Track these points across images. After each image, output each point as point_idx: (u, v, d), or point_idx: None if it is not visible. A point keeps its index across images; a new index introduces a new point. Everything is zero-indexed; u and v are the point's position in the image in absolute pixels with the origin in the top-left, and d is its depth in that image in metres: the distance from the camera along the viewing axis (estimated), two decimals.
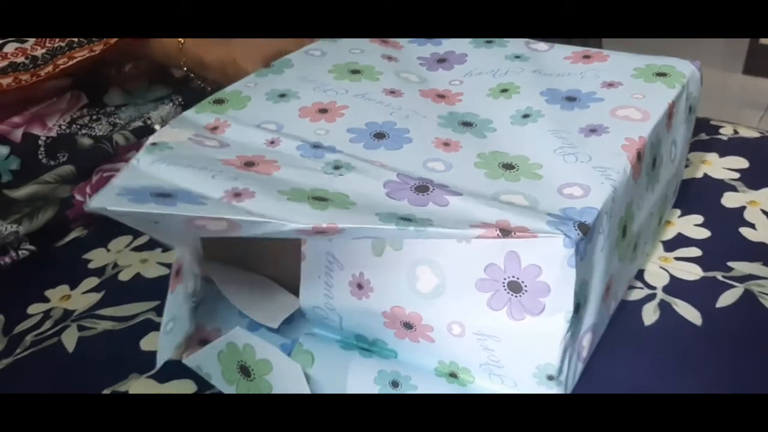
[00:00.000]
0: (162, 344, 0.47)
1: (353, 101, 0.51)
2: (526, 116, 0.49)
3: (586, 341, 0.43)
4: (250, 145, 0.47)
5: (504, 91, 0.52)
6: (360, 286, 0.43)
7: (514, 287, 0.39)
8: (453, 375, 0.44)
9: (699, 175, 0.62)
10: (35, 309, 0.56)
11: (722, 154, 0.64)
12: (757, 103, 1.89)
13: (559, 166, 0.44)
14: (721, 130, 0.68)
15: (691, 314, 0.48)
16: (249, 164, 0.44)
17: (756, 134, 0.67)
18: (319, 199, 0.40)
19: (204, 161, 0.43)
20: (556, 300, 0.38)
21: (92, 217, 0.66)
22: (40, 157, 0.64)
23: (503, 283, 0.39)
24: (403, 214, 0.39)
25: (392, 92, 0.52)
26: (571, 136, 0.47)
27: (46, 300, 0.57)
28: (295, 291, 0.47)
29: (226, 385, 0.45)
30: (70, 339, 0.52)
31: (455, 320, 0.41)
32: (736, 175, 0.61)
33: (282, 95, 0.52)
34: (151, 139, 0.45)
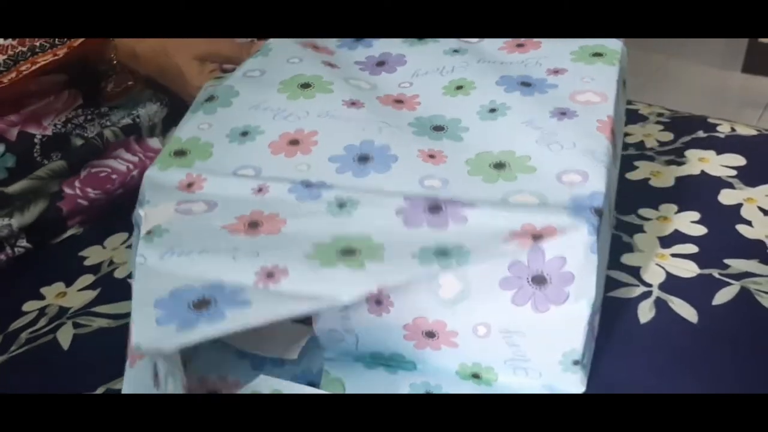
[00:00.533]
0: None
1: (319, 123, 0.48)
2: (492, 110, 0.49)
3: (596, 321, 0.44)
4: (237, 198, 0.44)
5: (459, 87, 0.51)
6: (379, 302, 0.42)
7: (539, 281, 0.39)
8: (476, 376, 0.44)
9: (696, 172, 0.62)
10: (30, 306, 0.56)
11: (720, 152, 0.64)
12: (756, 102, 1.89)
13: (547, 156, 0.44)
14: (719, 128, 0.68)
15: (687, 312, 0.48)
16: (253, 225, 0.42)
17: (753, 132, 0.67)
18: (348, 252, 0.39)
19: (210, 237, 0.41)
20: (580, 287, 0.39)
21: (90, 213, 0.65)
22: (35, 155, 0.64)
23: (527, 278, 0.39)
24: (435, 245, 0.39)
25: (353, 104, 0.50)
26: (546, 124, 0.47)
27: (42, 297, 0.57)
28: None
29: None
30: (65, 336, 0.52)
31: (481, 322, 0.41)
32: (734, 173, 0.61)
33: (244, 133, 0.49)
34: (143, 228, 0.43)
